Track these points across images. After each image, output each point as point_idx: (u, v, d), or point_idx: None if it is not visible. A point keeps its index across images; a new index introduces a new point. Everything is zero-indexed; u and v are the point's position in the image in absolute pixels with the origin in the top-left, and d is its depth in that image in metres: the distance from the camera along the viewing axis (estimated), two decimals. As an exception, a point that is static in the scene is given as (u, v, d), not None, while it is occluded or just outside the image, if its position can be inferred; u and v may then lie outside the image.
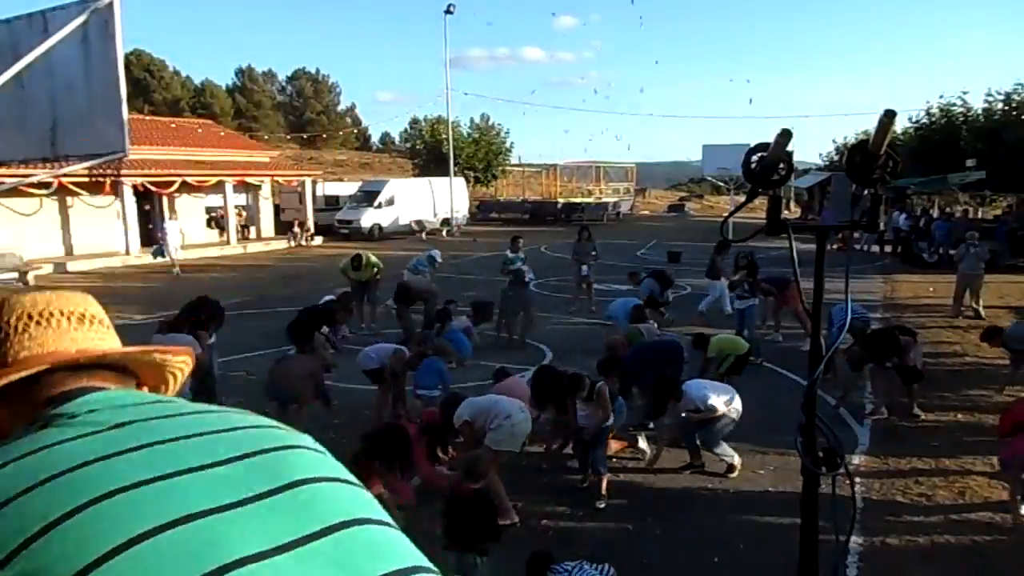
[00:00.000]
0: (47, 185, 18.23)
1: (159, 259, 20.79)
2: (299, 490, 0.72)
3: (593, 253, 13.28)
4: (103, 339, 1.00)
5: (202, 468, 0.71)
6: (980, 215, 28.11)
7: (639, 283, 11.20)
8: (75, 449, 0.72)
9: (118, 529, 0.63)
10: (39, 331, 0.94)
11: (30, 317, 0.95)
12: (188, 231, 23.23)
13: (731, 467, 5.94)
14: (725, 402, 5.95)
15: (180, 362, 1.05)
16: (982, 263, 12.60)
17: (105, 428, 0.76)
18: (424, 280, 11.77)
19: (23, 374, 0.86)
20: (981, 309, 12.47)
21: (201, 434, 0.77)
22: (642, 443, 6.40)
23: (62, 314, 0.97)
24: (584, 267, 13.09)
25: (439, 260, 13.28)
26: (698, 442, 6.08)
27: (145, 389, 1.00)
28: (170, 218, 22.07)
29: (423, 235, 29.13)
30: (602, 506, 5.23)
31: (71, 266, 20.44)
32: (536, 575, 3.61)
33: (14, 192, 16.30)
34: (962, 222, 21.37)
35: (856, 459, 6.19)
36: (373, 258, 11.79)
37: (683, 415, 5.97)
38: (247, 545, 0.64)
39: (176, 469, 0.70)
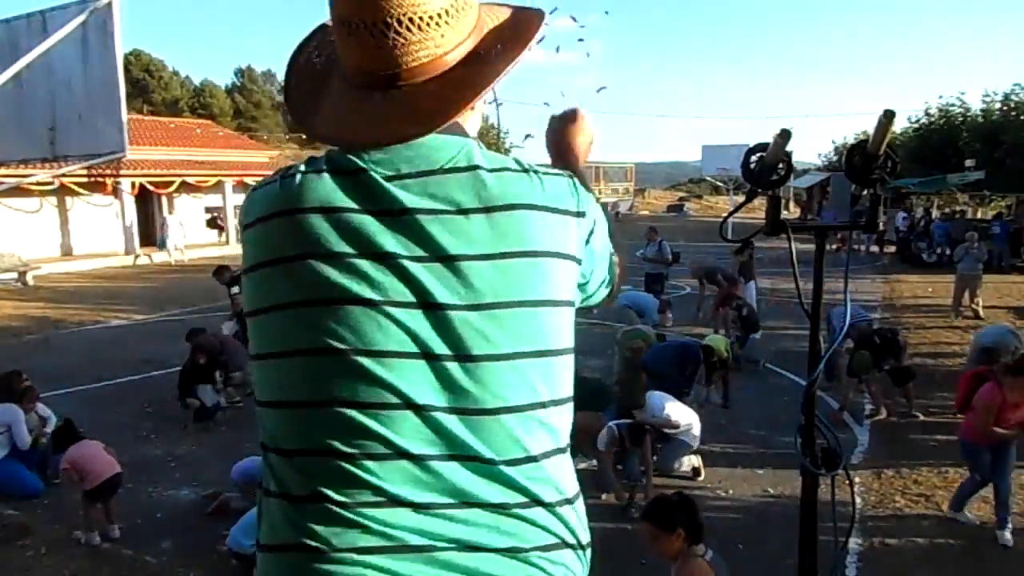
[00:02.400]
0: (47, 185, 18.24)
1: (163, 249, 22.19)
2: None
3: None
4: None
5: None
6: (979, 215, 28.09)
7: (657, 240, 12.68)
8: None
9: None
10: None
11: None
12: (188, 230, 23.28)
13: (696, 469, 5.79)
14: (685, 422, 5.74)
15: None
16: (980, 264, 12.60)
17: None
18: None
19: None
20: (980, 309, 12.47)
21: None
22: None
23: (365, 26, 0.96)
24: None
25: None
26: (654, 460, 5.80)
27: None
28: (169, 213, 22.94)
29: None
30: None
31: (71, 266, 20.41)
32: None
33: (14, 192, 16.30)
34: (961, 222, 21.36)
35: (856, 459, 6.19)
36: None
37: (645, 423, 5.73)
38: None
39: None
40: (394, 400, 0.91)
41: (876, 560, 4.55)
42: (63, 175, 14.94)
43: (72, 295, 15.58)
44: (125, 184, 21.71)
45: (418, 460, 0.91)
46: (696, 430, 5.82)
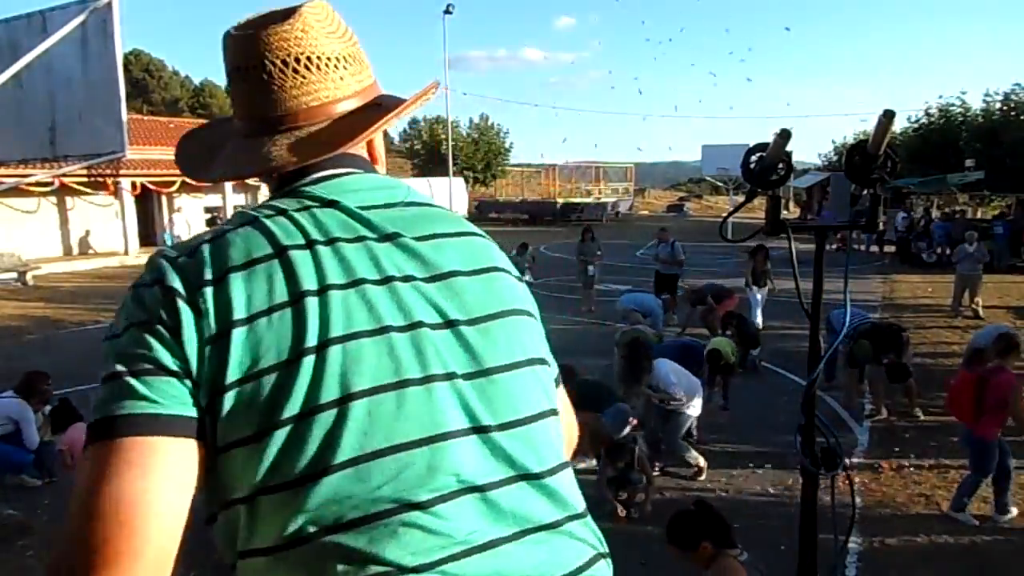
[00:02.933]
0: (47, 185, 18.24)
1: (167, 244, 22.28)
2: None
3: (599, 253, 13.31)
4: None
5: None
6: (979, 215, 28.08)
7: (670, 241, 12.18)
8: None
9: None
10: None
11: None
12: (190, 230, 23.45)
13: (699, 469, 5.81)
14: (686, 393, 5.81)
15: None
16: (980, 264, 12.60)
17: None
18: None
19: None
20: (980, 309, 12.47)
21: None
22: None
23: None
24: (590, 267, 13.11)
25: None
26: (663, 447, 5.95)
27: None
28: (176, 211, 23.30)
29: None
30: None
31: (70, 266, 20.41)
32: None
33: (14, 192, 16.30)
34: (961, 222, 21.35)
35: (856, 459, 6.19)
36: None
37: (645, 389, 5.90)
38: None
39: None
40: (461, 427, 0.86)
41: (876, 560, 4.55)
42: (63, 175, 14.94)
43: (72, 295, 15.56)
44: (125, 184, 21.71)
45: (483, 490, 0.85)
46: (698, 399, 5.92)
